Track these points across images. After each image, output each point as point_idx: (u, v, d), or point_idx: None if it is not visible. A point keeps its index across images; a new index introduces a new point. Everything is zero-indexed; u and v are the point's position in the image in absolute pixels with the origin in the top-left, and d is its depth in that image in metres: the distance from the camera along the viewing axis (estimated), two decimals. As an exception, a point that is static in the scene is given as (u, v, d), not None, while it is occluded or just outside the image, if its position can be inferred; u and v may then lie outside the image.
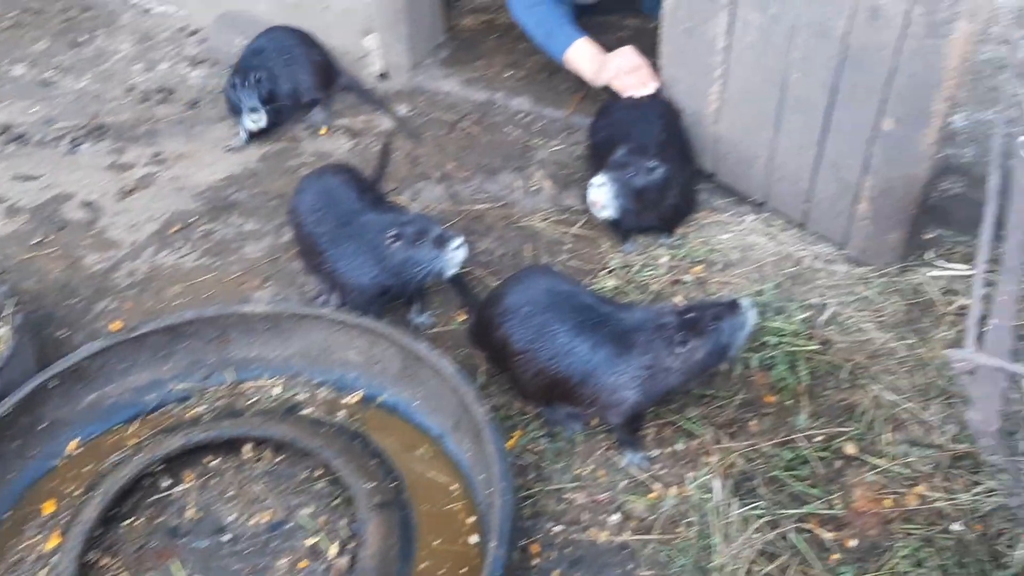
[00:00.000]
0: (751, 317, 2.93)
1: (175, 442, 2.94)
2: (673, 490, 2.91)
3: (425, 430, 3.06)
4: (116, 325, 3.47)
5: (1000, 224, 2.40)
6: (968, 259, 3.53)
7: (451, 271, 3.25)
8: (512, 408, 3.16)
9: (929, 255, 3.53)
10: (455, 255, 3.21)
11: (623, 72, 3.93)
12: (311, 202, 3.40)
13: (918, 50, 3.01)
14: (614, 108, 3.92)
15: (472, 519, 2.79)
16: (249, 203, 4.00)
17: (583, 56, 4.12)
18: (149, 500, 2.92)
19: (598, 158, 3.72)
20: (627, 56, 3.99)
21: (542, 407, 3.11)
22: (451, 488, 2.88)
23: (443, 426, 3.02)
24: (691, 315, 2.88)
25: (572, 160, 4.17)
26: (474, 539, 2.74)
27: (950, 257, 3.55)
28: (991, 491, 2.81)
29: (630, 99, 3.92)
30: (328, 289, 3.53)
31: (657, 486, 2.92)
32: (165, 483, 2.96)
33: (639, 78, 3.92)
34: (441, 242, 3.19)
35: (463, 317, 3.49)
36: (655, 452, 3.03)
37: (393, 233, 3.20)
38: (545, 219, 3.87)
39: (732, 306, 2.91)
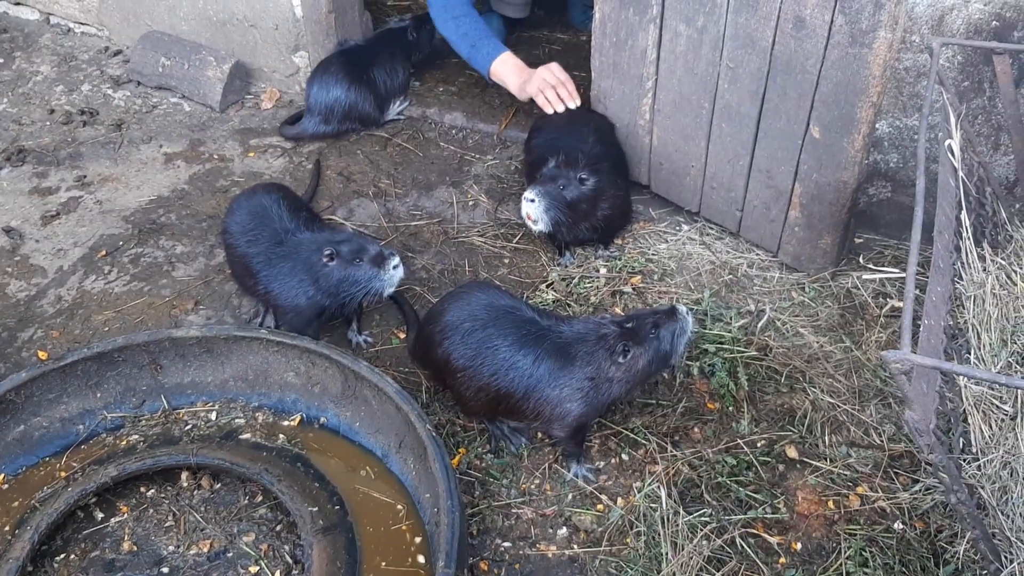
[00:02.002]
0: (689, 322, 2.96)
1: (108, 473, 2.85)
2: (620, 501, 2.91)
3: (368, 450, 3.01)
4: (43, 354, 3.35)
5: (928, 227, 2.45)
6: (897, 262, 3.61)
7: (389, 290, 3.22)
8: (456, 425, 3.13)
9: (861, 259, 3.60)
10: (393, 274, 3.18)
11: (547, 86, 3.95)
12: (244, 222, 3.34)
13: (842, 59, 3.07)
14: (548, 125, 3.93)
15: (419, 539, 2.75)
16: (179, 225, 3.91)
17: (507, 70, 4.12)
18: (82, 534, 2.82)
19: (533, 175, 3.72)
20: (552, 71, 4.01)
21: (486, 423, 3.08)
22: (397, 508, 2.84)
23: (386, 446, 2.98)
24: (631, 324, 2.90)
25: (507, 174, 4.17)
26: (422, 559, 2.70)
27: (879, 261, 3.63)
28: (929, 489, 2.87)
29: (563, 114, 3.93)
30: (263, 310, 3.47)
31: (604, 498, 2.92)
32: (99, 516, 2.87)
33: (562, 93, 3.95)
34: (379, 261, 3.16)
35: (403, 335, 3.45)
36: (600, 463, 3.03)
37: (329, 252, 3.16)
38: (482, 234, 3.86)
39: (670, 313, 2.94)
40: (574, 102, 3.95)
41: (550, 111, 3.94)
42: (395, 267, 3.18)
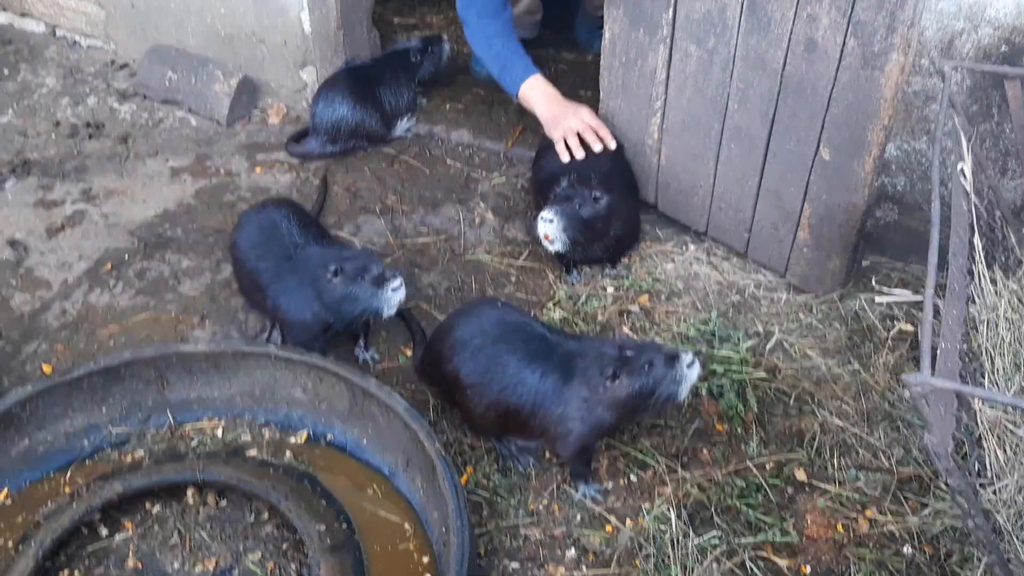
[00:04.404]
0: (692, 373, 2.83)
1: (113, 489, 2.82)
2: (628, 522, 2.89)
3: (375, 468, 2.99)
4: (47, 368, 3.32)
5: (941, 250, 2.45)
6: (904, 284, 3.61)
7: (389, 311, 3.18)
8: (463, 444, 3.11)
9: (873, 281, 3.59)
10: (392, 296, 3.15)
11: (571, 132, 3.82)
12: (253, 236, 3.33)
13: (854, 81, 3.08)
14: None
15: (427, 559, 2.73)
16: (185, 239, 3.90)
17: (536, 95, 4.04)
18: (86, 551, 2.79)
19: (543, 194, 3.72)
20: (583, 118, 3.85)
21: (494, 441, 3.07)
22: (404, 527, 2.82)
23: (394, 464, 2.96)
24: (631, 353, 2.84)
25: (514, 192, 4.17)
26: (430, 579, 2.68)
27: (886, 283, 3.62)
28: (939, 513, 2.86)
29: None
30: (270, 325, 3.46)
31: (612, 519, 2.90)
32: (103, 532, 2.84)
33: (589, 138, 3.80)
34: (380, 281, 3.13)
35: (410, 352, 3.43)
36: (609, 484, 3.01)
37: (333, 268, 3.14)
38: (489, 252, 3.85)
39: (671, 357, 2.81)
40: (605, 144, 3.80)
41: (565, 159, 3.78)
42: (395, 289, 3.14)
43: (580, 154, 3.79)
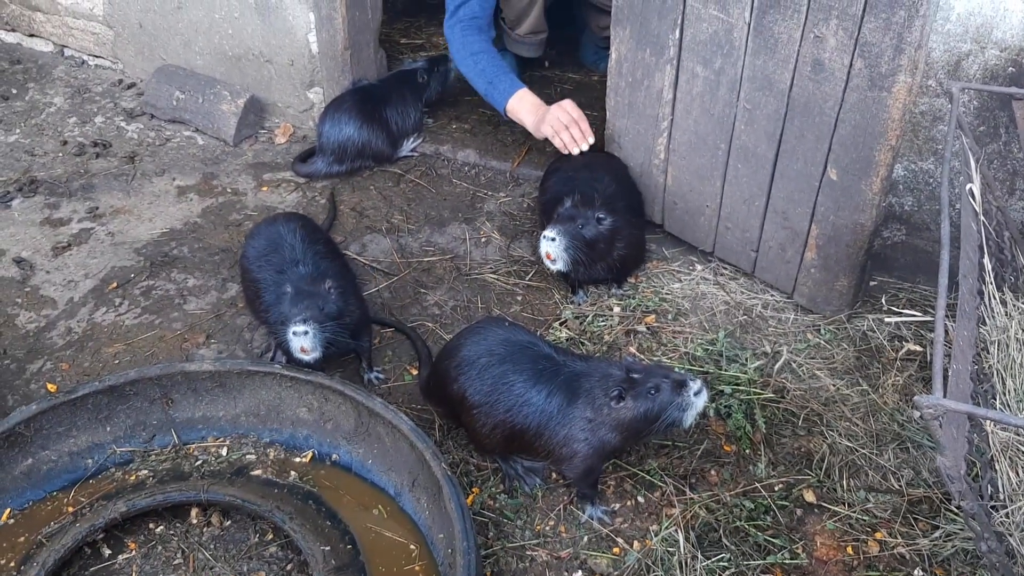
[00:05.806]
0: (699, 400, 2.82)
1: (117, 508, 2.80)
2: (636, 544, 2.86)
3: (381, 488, 2.97)
4: (51, 387, 3.31)
5: (951, 271, 2.44)
6: (912, 305, 3.60)
7: (295, 354, 3.11)
8: (469, 464, 3.09)
9: (883, 301, 3.58)
10: (293, 339, 3.04)
11: (561, 126, 3.95)
12: (259, 247, 3.34)
13: (861, 102, 3.08)
14: (562, 166, 3.93)
15: (432, 580, 2.71)
16: (191, 258, 3.89)
17: (524, 107, 4.13)
18: (90, 571, 2.77)
19: (549, 214, 3.72)
20: (565, 109, 3.99)
21: (500, 462, 3.04)
22: (410, 548, 2.79)
23: (399, 484, 2.94)
24: (637, 375, 2.83)
25: (520, 212, 4.17)
26: (435, 601, 2.65)
27: (894, 304, 3.61)
28: (950, 535, 2.83)
29: (577, 155, 3.94)
30: (274, 344, 3.44)
31: (620, 540, 2.87)
32: (107, 552, 2.82)
33: (575, 134, 3.94)
34: (288, 319, 3.07)
35: (415, 371, 3.42)
36: (616, 505, 2.98)
37: (290, 290, 3.14)
38: (495, 271, 3.85)
39: (679, 383, 2.80)
40: (586, 142, 3.94)
41: (567, 152, 3.95)
42: (295, 333, 3.03)
43: (576, 149, 3.94)
